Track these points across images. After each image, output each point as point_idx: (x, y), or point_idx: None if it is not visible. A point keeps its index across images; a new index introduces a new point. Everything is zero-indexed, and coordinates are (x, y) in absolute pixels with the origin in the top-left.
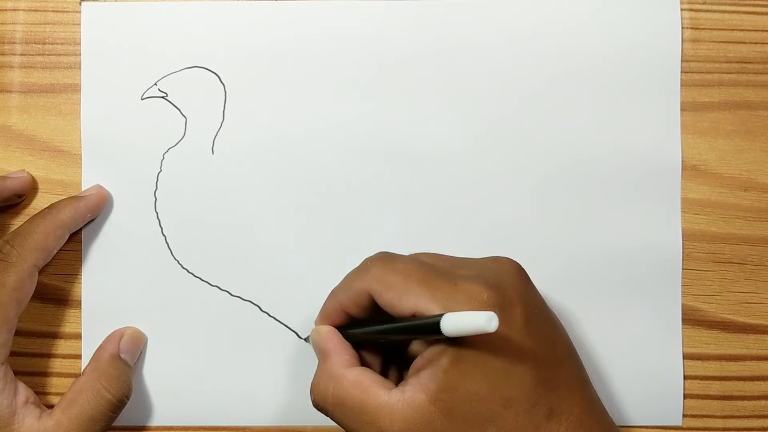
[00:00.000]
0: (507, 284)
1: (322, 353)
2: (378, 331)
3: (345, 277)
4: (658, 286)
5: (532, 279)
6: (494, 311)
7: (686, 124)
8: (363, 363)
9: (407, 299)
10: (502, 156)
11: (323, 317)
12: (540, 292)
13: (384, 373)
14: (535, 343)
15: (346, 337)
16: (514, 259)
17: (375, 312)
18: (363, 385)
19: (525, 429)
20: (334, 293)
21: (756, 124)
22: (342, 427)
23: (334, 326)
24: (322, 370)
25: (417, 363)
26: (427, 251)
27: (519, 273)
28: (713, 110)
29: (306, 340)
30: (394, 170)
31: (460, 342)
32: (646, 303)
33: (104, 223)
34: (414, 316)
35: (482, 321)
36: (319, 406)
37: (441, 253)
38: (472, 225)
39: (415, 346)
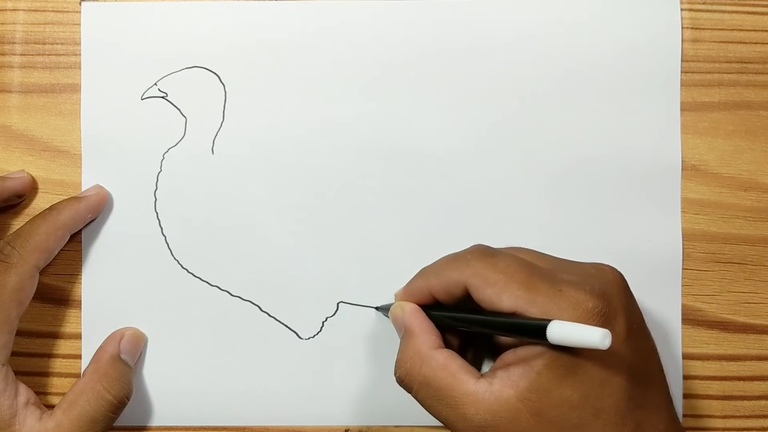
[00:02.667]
0: (612, 295)
1: (407, 330)
2: (470, 320)
3: (439, 262)
4: (658, 286)
5: None
6: (599, 321)
7: (686, 124)
8: (445, 344)
9: (507, 299)
10: (503, 156)
11: (408, 294)
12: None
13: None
14: (632, 358)
15: (429, 317)
16: (616, 268)
17: (463, 302)
18: (451, 368)
19: None
20: (424, 274)
21: (756, 124)
22: (424, 406)
23: (417, 304)
24: (409, 347)
25: (507, 357)
26: (428, 251)
27: (623, 284)
28: (713, 110)
29: (378, 309)
30: (394, 170)
31: (554, 349)
32: (646, 303)
33: (104, 223)
34: (514, 315)
35: (596, 337)
36: (404, 382)
37: (437, 253)
38: (472, 225)
39: (503, 339)
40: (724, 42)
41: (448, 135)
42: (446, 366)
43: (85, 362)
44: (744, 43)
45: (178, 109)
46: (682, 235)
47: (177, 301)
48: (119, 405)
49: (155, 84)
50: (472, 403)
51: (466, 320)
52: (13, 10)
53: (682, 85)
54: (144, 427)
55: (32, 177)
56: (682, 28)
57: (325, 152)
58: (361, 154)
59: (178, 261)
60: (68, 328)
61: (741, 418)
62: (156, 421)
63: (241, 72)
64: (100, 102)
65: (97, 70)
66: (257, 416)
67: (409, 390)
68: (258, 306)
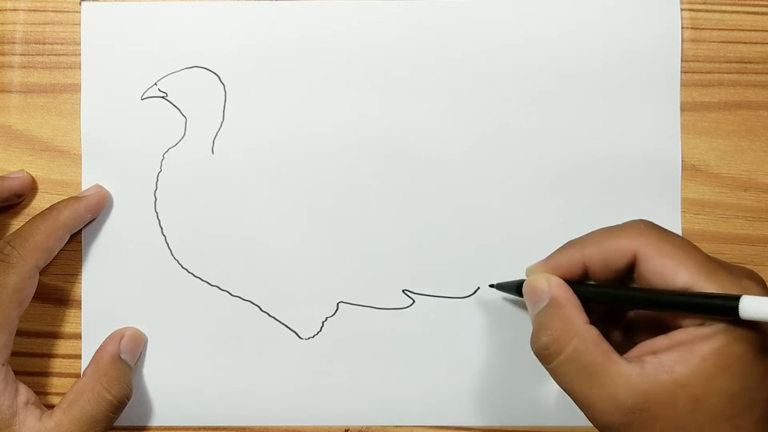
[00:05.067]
0: None
1: (554, 300)
2: (636, 298)
3: (595, 232)
4: None
5: None
6: None
7: (686, 124)
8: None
9: (683, 272)
10: (503, 157)
11: (552, 266)
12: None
13: None
14: None
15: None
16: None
17: (616, 277)
18: (603, 347)
19: None
20: (578, 244)
21: (756, 124)
22: (561, 382)
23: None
24: (559, 316)
25: (660, 342)
26: (428, 252)
27: None
28: (713, 110)
29: (492, 286)
30: (394, 171)
31: (732, 335)
32: None
33: (104, 223)
34: (686, 291)
35: None
36: (547, 351)
37: (437, 253)
38: (472, 226)
39: (647, 322)
40: (724, 42)
41: (449, 136)
42: (600, 344)
43: (85, 362)
44: (744, 43)
45: (178, 109)
46: (682, 235)
47: (177, 301)
48: (119, 405)
49: (155, 84)
50: (623, 383)
51: (625, 297)
52: (13, 10)
53: (682, 85)
54: (144, 427)
55: (32, 177)
56: (682, 28)
57: (325, 152)
58: (361, 154)
59: (178, 261)
60: (68, 328)
61: None
62: (156, 421)
63: (241, 72)
64: (100, 102)
65: (97, 70)
66: (257, 416)
67: (549, 361)
68: (258, 306)
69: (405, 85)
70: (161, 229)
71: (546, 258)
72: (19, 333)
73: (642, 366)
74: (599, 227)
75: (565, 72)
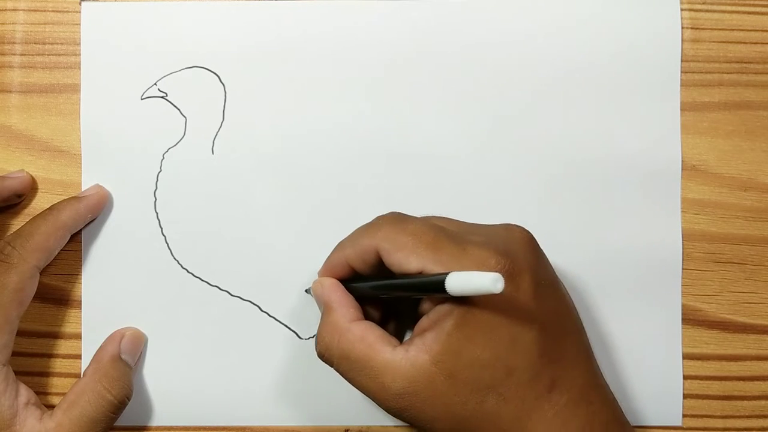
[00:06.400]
0: (517, 253)
1: (325, 305)
2: (382, 286)
3: (354, 232)
4: (658, 286)
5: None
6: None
7: (686, 124)
8: (365, 315)
9: (415, 260)
10: (502, 157)
11: (327, 269)
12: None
13: (384, 328)
14: (542, 314)
15: (349, 290)
16: (527, 229)
17: (379, 270)
18: (368, 340)
19: (526, 398)
20: (341, 246)
21: (756, 124)
22: (345, 378)
23: (337, 279)
24: (327, 322)
25: (422, 323)
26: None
27: (530, 243)
28: (713, 110)
29: (307, 291)
30: (394, 170)
31: (465, 306)
32: (646, 303)
33: (104, 223)
34: (420, 275)
35: (488, 281)
36: (324, 357)
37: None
38: None
39: (424, 306)
40: (724, 42)
41: (449, 136)
42: (363, 338)
43: (85, 362)
44: (744, 43)
45: (178, 109)
46: (682, 235)
47: (177, 301)
48: (120, 405)
49: (155, 84)
50: (390, 371)
51: (381, 287)
52: (13, 10)
53: (682, 85)
54: (144, 427)
55: (32, 177)
56: (682, 28)
57: (325, 152)
58: (361, 154)
59: (178, 261)
60: (68, 328)
61: (741, 418)
62: (156, 421)
63: (241, 72)
64: (100, 102)
65: (97, 70)
66: (257, 416)
67: (329, 364)
68: (258, 306)
69: (405, 85)
70: (161, 229)
71: (325, 261)
72: (19, 333)
73: (407, 350)
74: (599, 227)
75: (565, 72)
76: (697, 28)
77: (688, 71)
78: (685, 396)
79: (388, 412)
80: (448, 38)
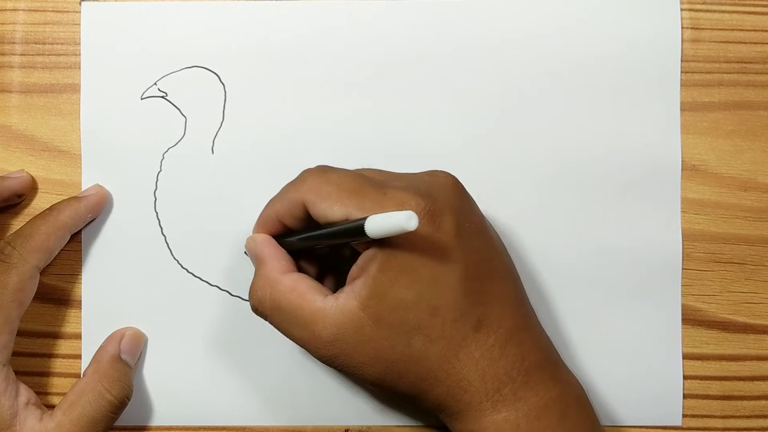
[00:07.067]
0: (438, 195)
1: (258, 260)
2: (309, 237)
3: (282, 188)
4: (658, 286)
5: (530, 270)
6: (422, 219)
7: (686, 124)
8: (300, 270)
9: (339, 208)
10: (502, 156)
11: (259, 226)
12: (470, 184)
13: (320, 282)
14: (466, 255)
15: (282, 246)
16: (452, 174)
17: (309, 224)
18: (299, 290)
19: (452, 338)
20: (271, 202)
21: (756, 124)
22: (279, 330)
23: (269, 235)
24: (259, 275)
25: (352, 272)
26: None
27: (454, 186)
28: (713, 110)
29: (246, 253)
30: (394, 170)
31: (388, 249)
32: (646, 303)
33: (104, 223)
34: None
35: (402, 219)
36: (257, 310)
37: None
38: None
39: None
40: (724, 42)
41: (448, 135)
42: (295, 288)
43: (85, 362)
44: (744, 43)
45: (178, 109)
46: (682, 235)
47: (177, 301)
48: (120, 405)
49: (155, 84)
50: (320, 319)
51: (308, 237)
52: (13, 10)
53: (682, 85)
54: (144, 427)
55: (32, 177)
56: (682, 28)
57: (324, 151)
58: (360, 153)
59: (178, 261)
60: (68, 328)
61: (741, 418)
62: (156, 421)
63: (241, 72)
64: (100, 102)
65: (97, 70)
66: (257, 416)
67: (263, 317)
68: None
69: (405, 84)
70: (161, 228)
71: (257, 219)
72: (19, 333)
73: (336, 298)
74: (598, 227)
75: (565, 72)
76: (697, 28)
77: (688, 71)
78: (685, 396)
79: (322, 362)
80: (448, 38)
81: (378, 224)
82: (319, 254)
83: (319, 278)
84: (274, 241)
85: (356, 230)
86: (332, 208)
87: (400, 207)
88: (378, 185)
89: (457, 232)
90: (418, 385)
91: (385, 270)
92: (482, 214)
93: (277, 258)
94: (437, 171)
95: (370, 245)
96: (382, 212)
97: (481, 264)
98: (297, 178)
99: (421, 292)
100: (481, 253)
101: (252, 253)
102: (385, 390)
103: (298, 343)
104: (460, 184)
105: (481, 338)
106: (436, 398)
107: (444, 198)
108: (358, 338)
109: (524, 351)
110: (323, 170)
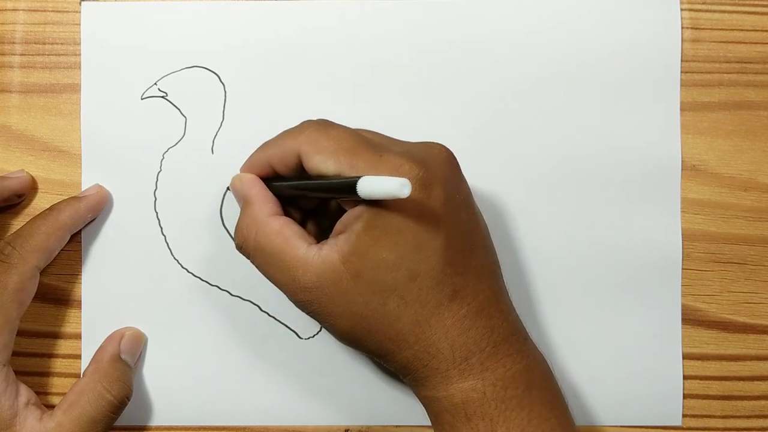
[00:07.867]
0: (433, 165)
1: (244, 199)
2: (300, 186)
3: (279, 134)
4: (658, 286)
5: (530, 270)
6: (415, 185)
7: (686, 124)
8: (285, 214)
9: (333, 164)
10: (501, 156)
11: (248, 167)
12: (470, 186)
13: (303, 227)
14: (451, 226)
15: (269, 189)
16: (448, 147)
17: (298, 176)
18: (284, 234)
19: (427, 303)
20: (264, 146)
21: (756, 124)
22: (260, 271)
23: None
24: (246, 215)
25: (338, 227)
26: None
27: (448, 158)
28: (713, 110)
29: (228, 190)
30: None
31: (375, 209)
32: (646, 303)
33: (104, 223)
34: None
35: (395, 185)
36: (241, 250)
37: None
38: None
39: (344, 210)
40: (724, 42)
41: (448, 135)
42: (280, 231)
43: (85, 362)
44: (744, 43)
45: (178, 109)
46: (682, 235)
47: (177, 301)
48: (120, 405)
49: (155, 84)
50: (301, 266)
51: (299, 186)
52: (13, 10)
53: (682, 85)
54: (144, 427)
55: (32, 177)
56: (682, 28)
57: None
58: None
59: (178, 261)
60: (68, 328)
61: (741, 418)
62: (156, 421)
63: (241, 72)
64: (100, 102)
65: (97, 70)
66: (257, 416)
67: (246, 256)
68: (258, 306)
69: (405, 85)
70: (161, 228)
71: (247, 160)
72: (19, 333)
73: (320, 248)
74: (599, 227)
75: (565, 72)
76: (697, 28)
77: (688, 71)
78: (685, 396)
79: (296, 305)
80: (449, 38)
81: (371, 186)
82: (304, 206)
83: (302, 224)
84: (261, 183)
85: (348, 188)
86: (326, 162)
87: (394, 171)
88: (375, 147)
89: (446, 202)
90: (385, 345)
91: (369, 229)
92: (470, 189)
93: (264, 200)
94: (433, 143)
95: (357, 203)
96: (375, 173)
97: (464, 236)
98: (296, 127)
99: (403, 255)
100: (466, 225)
101: (238, 192)
102: (352, 344)
103: (276, 285)
104: (454, 157)
105: (455, 308)
106: (403, 360)
107: (437, 168)
108: (334, 290)
109: (494, 324)
110: (323, 124)
